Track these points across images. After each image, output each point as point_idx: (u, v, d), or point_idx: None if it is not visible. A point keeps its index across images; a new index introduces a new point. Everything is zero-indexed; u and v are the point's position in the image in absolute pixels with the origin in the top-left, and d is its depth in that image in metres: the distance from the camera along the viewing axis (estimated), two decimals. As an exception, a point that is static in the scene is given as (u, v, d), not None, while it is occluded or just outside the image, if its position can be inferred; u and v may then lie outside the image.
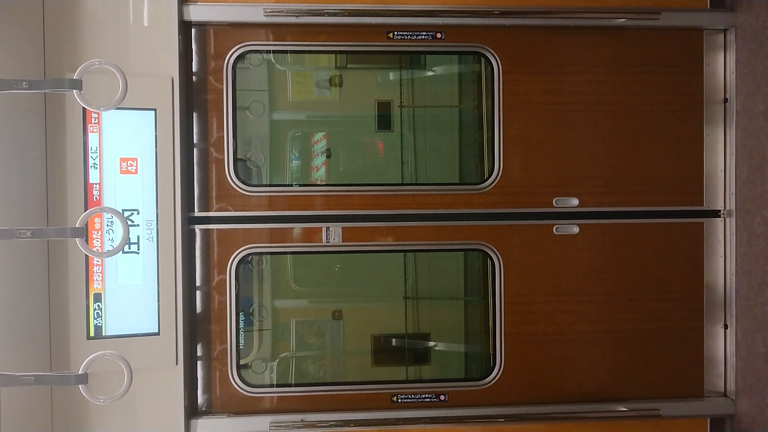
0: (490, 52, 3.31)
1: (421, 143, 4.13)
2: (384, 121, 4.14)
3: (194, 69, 3.22)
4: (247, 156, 3.73)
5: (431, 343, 4.07)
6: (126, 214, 3.00)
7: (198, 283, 3.24)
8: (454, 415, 3.22)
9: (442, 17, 3.21)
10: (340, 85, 4.17)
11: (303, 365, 4.13)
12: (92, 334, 2.98)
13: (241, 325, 3.36)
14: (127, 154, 3.03)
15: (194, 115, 3.22)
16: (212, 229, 3.24)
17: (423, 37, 3.27)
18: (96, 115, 2.96)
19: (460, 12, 3.20)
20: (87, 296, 2.97)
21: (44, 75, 2.95)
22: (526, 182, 3.34)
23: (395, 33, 3.26)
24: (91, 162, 2.97)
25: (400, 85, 4.09)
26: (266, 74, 3.95)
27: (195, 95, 3.22)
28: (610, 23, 3.28)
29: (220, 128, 3.23)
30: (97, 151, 2.98)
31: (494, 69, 3.31)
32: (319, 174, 4.17)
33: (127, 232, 2.69)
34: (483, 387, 3.33)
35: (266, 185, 3.75)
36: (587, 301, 3.38)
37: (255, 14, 3.14)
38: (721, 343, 3.41)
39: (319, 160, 4.16)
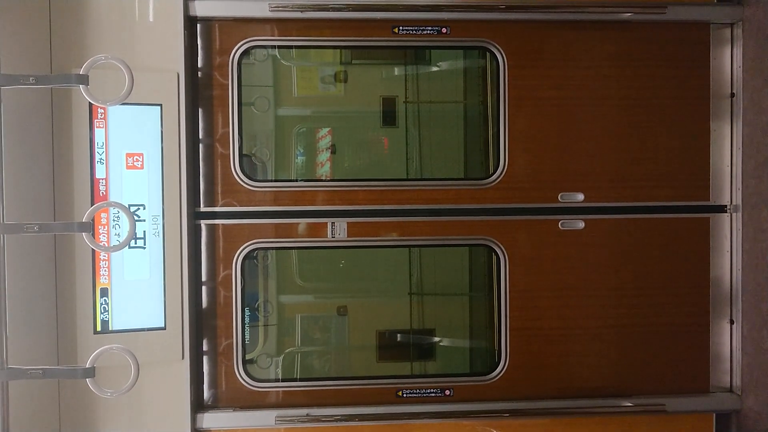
0: (496, 47, 3.30)
1: (426, 139, 4.12)
2: (389, 116, 4.13)
3: (200, 64, 3.22)
4: (253, 151, 3.74)
5: (436, 339, 4.07)
6: (132, 209, 3.01)
7: (204, 278, 3.25)
8: (459, 410, 3.23)
9: (448, 12, 3.20)
10: (345, 81, 4.17)
11: (308, 360, 4.14)
12: (99, 328, 3.00)
13: (247, 320, 3.37)
14: (133, 150, 3.03)
15: (200, 110, 3.23)
16: (218, 224, 3.25)
17: (428, 31, 3.27)
18: (102, 111, 2.97)
19: (466, 7, 3.19)
20: (94, 291, 2.99)
21: (51, 70, 2.95)
22: (532, 177, 3.33)
23: (400, 28, 3.26)
24: (97, 157, 2.98)
25: (405, 81, 4.09)
26: (271, 70, 3.95)
27: (201, 90, 3.22)
28: (616, 17, 3.27)
29: (226, 123, 3.23)
30: (104, 146, 2.99)
31: (500, 64, 3.30)
32: (324, 170, 4.17)
33: (133, 227, 2.69)
34: (488, 382, 3.33)
35: (271, 180, 3.76)
36: (593, 296, 3.37)
37: (260, 9, 3.14)
38: (727, 339, 3.40)
39: (324, 156, 4.16)
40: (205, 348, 3.25)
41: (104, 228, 2.97)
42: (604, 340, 3.37)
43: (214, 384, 3.27)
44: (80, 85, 2.57)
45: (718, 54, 3.38)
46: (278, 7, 3.12)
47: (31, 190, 2.93)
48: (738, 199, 3.35)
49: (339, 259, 4.23)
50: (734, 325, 3.38)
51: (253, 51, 3.36)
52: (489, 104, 3.49)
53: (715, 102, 3.38)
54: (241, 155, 3.27)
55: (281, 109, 4.09)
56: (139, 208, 3.04)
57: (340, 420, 3.17)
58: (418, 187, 3.36)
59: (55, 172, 2.98)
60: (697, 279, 3.39)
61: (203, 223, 3.24)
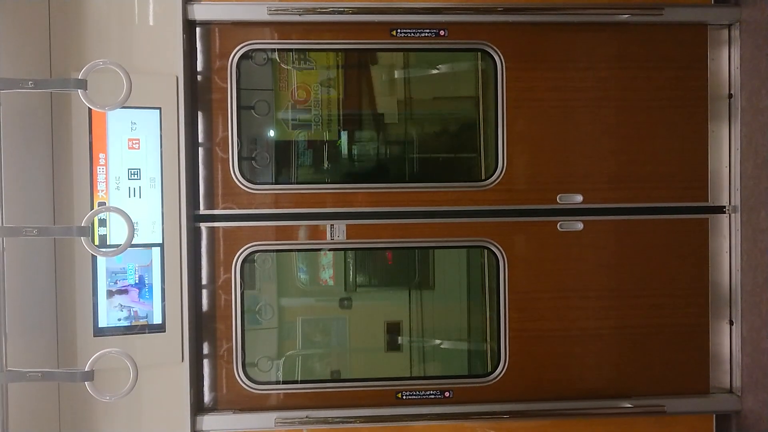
0: (494, 49, 3.31)
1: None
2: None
3: (199, 68, 3.23)
4: (253, 155, 3.73)
5: (437, 341, 4.08)
6: (132, 212, 3.01)
7: (204, 281, 3.25)
8: (459, 412, 3.22)
9: (446, 14, 3.21)
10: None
11: (308, 363, 4.14)
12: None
13: (247, 323, 3.37)
14: (133, 153, 3.04)
15: (199, 113, 3.24)
16: (218, 227, 3.25)
17: (426, 34, 3.28)
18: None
19: (464, 9, 3.20)
20: (94, 293, 2.99)
21: (50, 74, 2.97)
22: (530, 179, 3.33)
23: (399, 30, 3.27)
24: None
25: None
26: (270, 74, 3.95)
27: (200, 94, 3.23)
28: (614, 19, 3.27)
29: (225, 126, 3.24)
30: (103, 149, 3.00)
31: (498, 66, 3.31)
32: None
33: (132, 232, 2.70)
34: (488, 383, 3.33)
35: (271, 183, 3.76)
36: (592, 298, 3.37)
37: (259, 13, 3.15)
38: (727, 340, 3.40)
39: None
40: (205, 351, 3.26)
41: (105, 227, 2.98)
42: (603, 341, 3.37)
43: (214, 387, 3.27)
44: (79, 90, 2.59)
45: (715, 55, 3.38)
46: (277, 10, 3.13)
47: (30, 193, 2.94)
48: (737, 200, 3.35)
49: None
50: (734, 326, 3.38)
51: (252, 55, 3.37)
52: (481, 106, 3.50)
53: (713, 103, 3.39)
54: (240, 158, 3.28)
55: (280, 113, 4.09)
56: (138, 211, 3.04)
57: (340, 422, 3.17)
58: (417, 190, 3.37)
59: (55, 176, 2.99)
60: (696, 280, 3.39)
61: (203, 225, 3.25)
